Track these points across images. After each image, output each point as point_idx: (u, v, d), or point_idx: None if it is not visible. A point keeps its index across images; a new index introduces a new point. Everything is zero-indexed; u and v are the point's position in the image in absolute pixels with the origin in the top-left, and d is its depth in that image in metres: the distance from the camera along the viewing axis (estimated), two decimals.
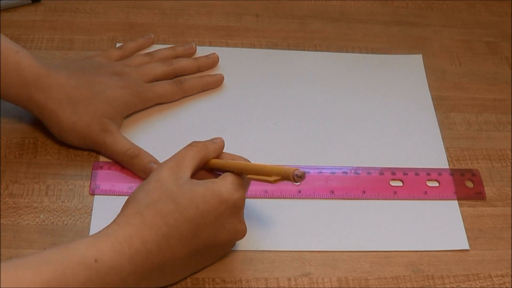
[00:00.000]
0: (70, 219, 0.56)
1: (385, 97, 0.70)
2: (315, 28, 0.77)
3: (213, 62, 0.70)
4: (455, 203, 0.62)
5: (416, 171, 0.63)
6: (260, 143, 0.64)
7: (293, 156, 0.64)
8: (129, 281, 0.47)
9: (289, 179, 0.47)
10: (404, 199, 0.62)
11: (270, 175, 0.49)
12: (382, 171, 0.63)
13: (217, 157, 0.55)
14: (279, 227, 0.58)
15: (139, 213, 0.48)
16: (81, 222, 0.56)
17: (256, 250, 0.57)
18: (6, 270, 0.41)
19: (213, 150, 0.55)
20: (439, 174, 0.63)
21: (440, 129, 0.68)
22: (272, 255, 0.56)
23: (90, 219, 0.56)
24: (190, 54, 0.70)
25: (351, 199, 0.61)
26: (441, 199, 0.62)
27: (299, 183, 0.47)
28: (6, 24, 0.70)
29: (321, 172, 0.62)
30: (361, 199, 0.61)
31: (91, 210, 0.57)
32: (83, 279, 0.44)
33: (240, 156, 0.56)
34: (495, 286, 0.57)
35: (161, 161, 0.59)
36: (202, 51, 0.71)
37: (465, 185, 0.63)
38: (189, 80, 0.66)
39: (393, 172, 0.63)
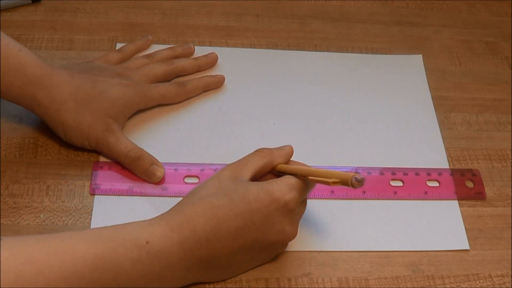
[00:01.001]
0: (70, 219, 0.56)
1: (385, 97, 0.71)
2: (315, 28, 0.77)
3: (212, 61, 0.70)
4: (455, 203, 0.62)
5: (416, 171, 0.63)
6: (260, 143, 0.64)
7: (293, 156, 0.63)
8: (177, 267, 0.48)
9: (347, 183, 0.48)
10: (404, 199, 0.62)
11: (330, 178, 0.50)
12: (382, 171, 0.63)
13: (286, 163, 0.56)
14: None
15: (193, 204, 0.50)
16: (81, 222, 0.56)
17: None
18: (60, 239, 0.44)
19: (279, 155, 0.56)
20: (439, 174, 0.63)
21: (440, 129, 0.68)
22: None
23: (90, 219, 0.56)
24: (188, 54, 0.70)
25: (351, 199, 0.61)
26: (441, 199, 0.62)
27: (358, 187, 0.48)
28: (6, 24, 0.70)
29: None
30: (361, 199, 0.61)
31: (91, 210, 0.57)
32: (134, 258, 0.46)
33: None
34: (495, 286, 0.57)
35: (161, 161, 0.60)
36: (202, 51, 0.71)
37: (465, 185, 0.63)
38: (191, 82, 0.66)
39: (393, 172, 0.63)
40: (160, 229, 0.48)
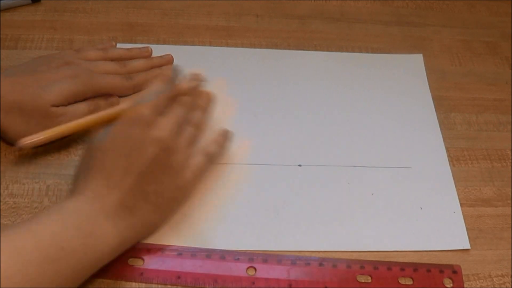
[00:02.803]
0: None
1: (385, 97, 0.71)
2: (315, 28, 0.77)
3: (167, 62, 0.69)
4: (456, 202, 0.62)
5: (389, 265, 0.56)
6: (260, 143, 0.64)
7: (293, 155, 0.63)
8: (103, 225, 0.50)
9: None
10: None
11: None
12: (349, 264, 0.56)
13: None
14: (279, 227, 0.58)
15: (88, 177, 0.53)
16: None
17: (258, 250, 0.57)
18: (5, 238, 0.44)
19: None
20: (415, 270, 0.56)
21: (441, 129, 0.68)
22: None
23: None
24: (145, 57, 0.69)
25: (351, 199, 0.61)
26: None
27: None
28: (6, 24, 0.70)
29: None
30: (361, 199, 0.61)
31: None
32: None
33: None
34: (495, 286, 0.57)
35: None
36: (202, 51, 0.71)
37: (443, 284, 0.56)
38: (138, 75, 0.65)
39: (362, 265, 0.56)
40: (70, 202, 0.50)
